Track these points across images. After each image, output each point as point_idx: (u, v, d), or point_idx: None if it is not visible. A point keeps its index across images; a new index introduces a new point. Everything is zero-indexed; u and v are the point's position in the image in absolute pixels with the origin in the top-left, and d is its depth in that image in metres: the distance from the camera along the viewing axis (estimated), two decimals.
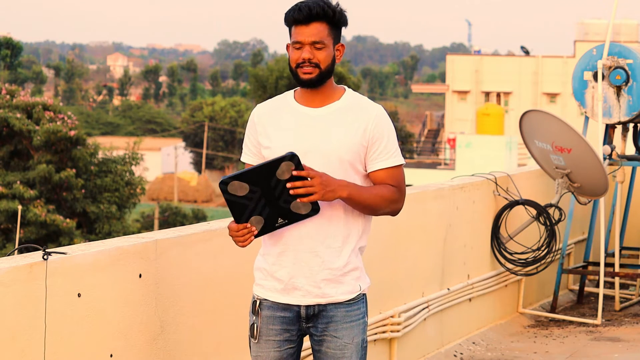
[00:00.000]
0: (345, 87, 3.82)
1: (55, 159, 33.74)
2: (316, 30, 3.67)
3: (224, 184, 3.63)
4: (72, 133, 33.65)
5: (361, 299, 3.79)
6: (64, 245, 5.15)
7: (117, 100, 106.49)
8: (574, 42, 51.21)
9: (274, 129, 3.77)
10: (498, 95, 53.06)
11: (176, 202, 61.21)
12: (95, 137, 46.97)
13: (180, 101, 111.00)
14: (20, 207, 30.96)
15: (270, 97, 3.94)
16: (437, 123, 61.69)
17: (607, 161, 8.61)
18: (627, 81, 8.52)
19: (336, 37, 3.73)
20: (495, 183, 7.88)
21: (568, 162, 8.09)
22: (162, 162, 72.03)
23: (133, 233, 25.72)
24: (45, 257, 3.91)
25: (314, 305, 3.73)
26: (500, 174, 8.03)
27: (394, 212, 3.78)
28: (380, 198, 3.71)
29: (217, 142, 77.04)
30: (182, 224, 29.20)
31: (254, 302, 3.79)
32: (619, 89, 8.57)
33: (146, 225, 44.65)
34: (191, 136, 78.70)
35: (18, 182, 32.87)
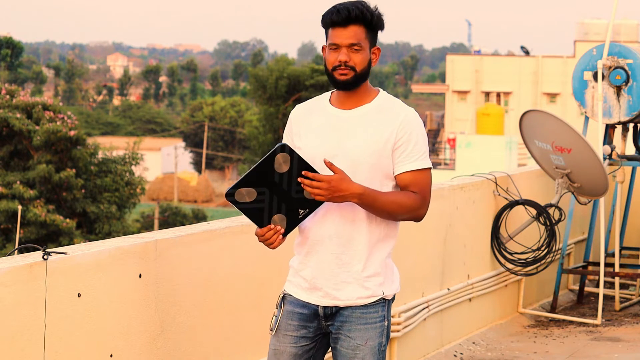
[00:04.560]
0: (380, 89, 3.81)
1: (55, 159, 33.72)
2: (353, 33, 3.67)
3: (230, 196, 3.60)
4: (72, 133, 33.63)
5: (381, 303, 3.78)
6: (64, 245, 5.15)
7: (117, 100, 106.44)
8: (574, 42, 51.17)
9: (305, 129, 3.79)
10: (498, 95, 53.03)
11: (176, 202, 61.23)
12: (95, 137, 47.06)
13: (180, 101, 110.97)
14: (20, 207, 30.95)
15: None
16: (437, 123, 61.66)
17: (607, 161, 8.60)
18: (627, 81, 8.52)
19: (372, 40, 3.73)
20: (495, 183, 7.88)
21: (568, 162, 8.08)
22: (162, 162, 72.04)
23: (133, 233, 25.71)
24: (45, 257, 3.90)
25: (332, 306, 3.76)
26: (500, 174, 8.03)
27: (416, 219, 3.71)
28: (398, 205, 3.66)
29: (217, 142, 77.07)
30: (182, 224, 29.20)
31: (281, 296, 3.85)
32: (619, 89, 8.56)
33: (146, 225, 44.66)
34: (191, 136, 78.74)
35: (18, 182, 32.86)
